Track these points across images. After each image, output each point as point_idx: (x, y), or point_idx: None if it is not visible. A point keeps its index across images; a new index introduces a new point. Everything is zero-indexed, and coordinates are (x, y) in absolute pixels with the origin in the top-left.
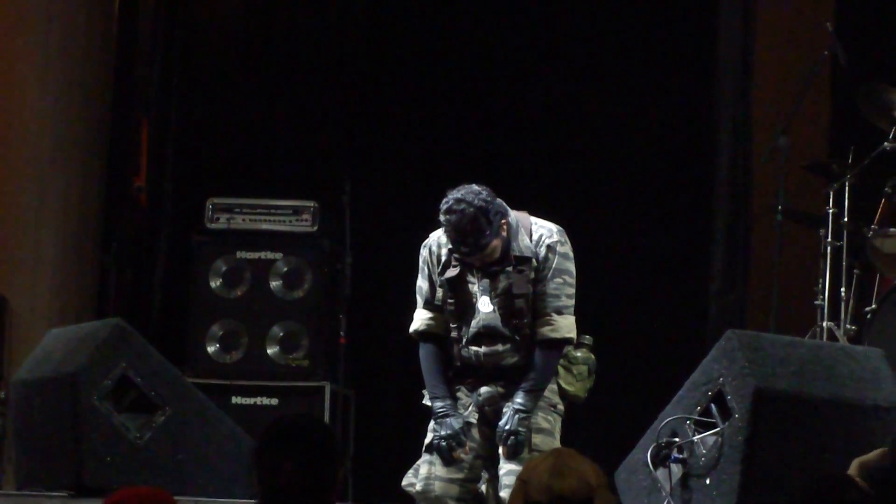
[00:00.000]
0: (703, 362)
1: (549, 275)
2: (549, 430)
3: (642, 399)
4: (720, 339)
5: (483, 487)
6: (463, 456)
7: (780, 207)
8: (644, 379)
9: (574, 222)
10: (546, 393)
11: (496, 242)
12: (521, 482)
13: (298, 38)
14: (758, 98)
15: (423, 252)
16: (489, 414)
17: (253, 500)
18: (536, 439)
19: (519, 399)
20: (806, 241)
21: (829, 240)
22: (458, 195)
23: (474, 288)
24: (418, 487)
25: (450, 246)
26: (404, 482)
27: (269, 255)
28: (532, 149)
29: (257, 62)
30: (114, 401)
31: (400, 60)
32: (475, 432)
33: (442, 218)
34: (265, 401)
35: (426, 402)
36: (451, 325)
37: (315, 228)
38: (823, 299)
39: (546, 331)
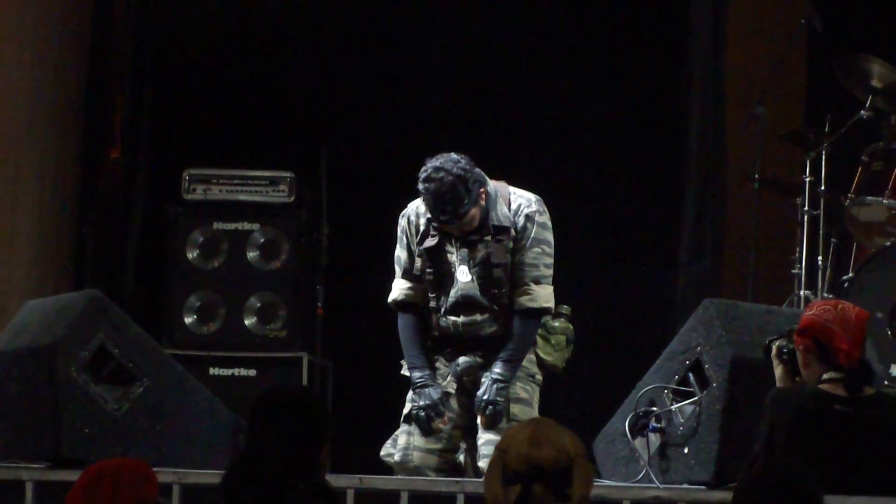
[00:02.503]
0: (680, 331)
1: (528, 244)
2: (527, 400)
3: (620, 369)
4: (697, 308)
5: (461, 457)
6: (441, 426)
7: (756, 176)
8: (622, 349)
9: (548, 192)
10: (524, 363)
11: (474, 211)
12: (500, 452)
13: (274, 9)
14: (731, 67)
15: (402, 221)
16: (467, 384)
17: None
18: (515, 409)
19: (497, 369)
20: (783, 209)
21: (806, 208)
22: (437, 163)
23: (453, 258)
24: (397, 458)
25: (428, 215)
26: (382, 452)
27: (246, 225)
28: (508, 118)
29: (233, 32)
30: (91, 372)
31: (377, 30)
32: (454, 402)
33: (420, 186)
34: (243, 372)
35: (404, 372)
36: (430, 295)
37: (292, 199)
38: (800, 268)
39: (524, 300)
